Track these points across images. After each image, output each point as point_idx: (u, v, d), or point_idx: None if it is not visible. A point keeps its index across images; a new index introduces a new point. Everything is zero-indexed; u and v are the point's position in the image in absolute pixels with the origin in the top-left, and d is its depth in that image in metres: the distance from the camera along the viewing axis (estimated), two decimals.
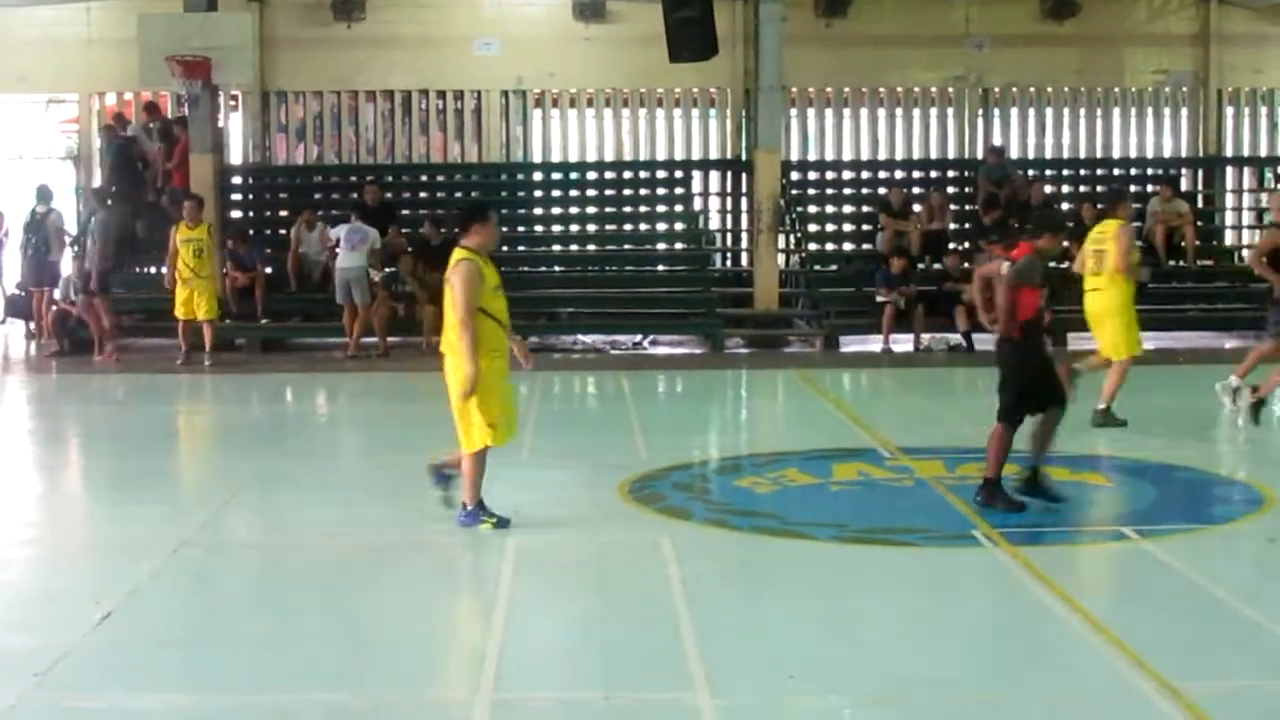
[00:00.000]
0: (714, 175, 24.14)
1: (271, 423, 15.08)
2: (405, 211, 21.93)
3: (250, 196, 23.73)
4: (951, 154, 24.24)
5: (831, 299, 20.76)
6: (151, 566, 8.09)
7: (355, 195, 21.58)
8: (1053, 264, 10.22)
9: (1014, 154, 23.70)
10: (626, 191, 23.61)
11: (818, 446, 11.83)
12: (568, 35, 23.35)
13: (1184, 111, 24.30)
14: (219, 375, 17.34)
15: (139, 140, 22.52)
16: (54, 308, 19.24)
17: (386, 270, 19.51)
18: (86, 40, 22.90)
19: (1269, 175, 24.65)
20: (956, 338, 19.21)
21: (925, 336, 19.39)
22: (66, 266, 19.49)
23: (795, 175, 23.54)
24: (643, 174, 23.78)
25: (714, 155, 24.04)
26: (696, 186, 23.89)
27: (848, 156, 24.29)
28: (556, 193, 23.88)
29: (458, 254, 8.70)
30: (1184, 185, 23.58)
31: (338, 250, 19.16)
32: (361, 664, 6.47)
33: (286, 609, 7.47)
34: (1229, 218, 24.53)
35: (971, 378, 17.54)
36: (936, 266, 20.45)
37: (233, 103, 23.53)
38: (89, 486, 11.69)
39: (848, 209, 23.76)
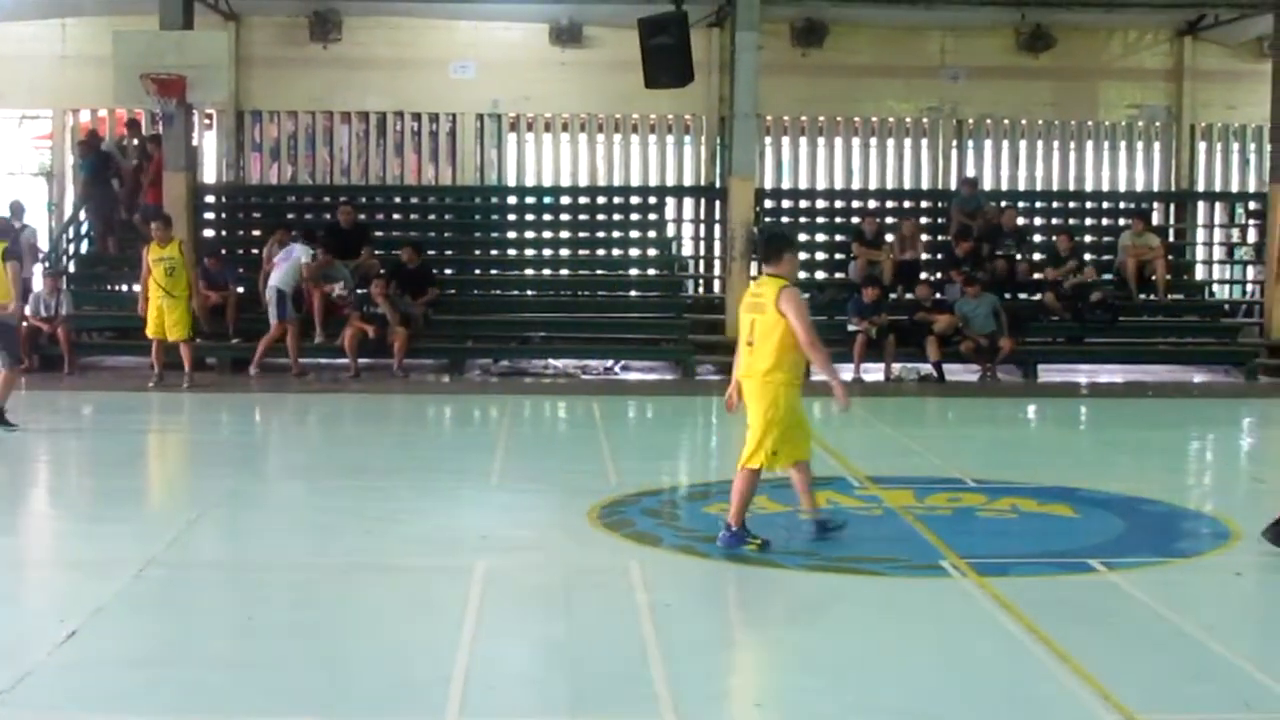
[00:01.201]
0: (688, 202, 24.21)
1: (241, 442, 15.00)
2: (379, 233, 21.91)
3: (224, 215, 23.65)
4: (925, 184, 24.34)
5: None
6: (117, 585, 8.03)
7: (329, 216, 21.54)
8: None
9: (987, 185, 23.78)
10: (600, 216, 23.61)
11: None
12: (544, 59, 23.37)
13: (1157, 145, 24.44)
14: (188, 394, 17.24)
15: (114, 156, 22.44)
16: (24, 324, 19.09)
17: (359, 291, 19.49)
18: (61, 56, 22.79)
19: (1240, 210, 24.81)
20: (927, 368, 19.25)
21: (896, 366, 19.42)
22: (37, 283, 19.38)
23: (769, 203, 23.61)
24: (617, 199, 23.79)
25: (688, 181, 24.08)
26: (670, 213, 23.92)
27: (821, 185, 24.32)
28: (530, 217, 23.92)
29: (777, 283, 8.91)
30: (1156, 219, 23.71)
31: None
32: (329, 686, 6.44)
33: (253, 630, 7.43)
34: (1200, 252, 24.70)
35: (942, 408, 17.63)
36: (909, 296, 20.51)
37: (207, 121, 23.47)
38: (55, 504, 11.59)
39: (820, 237, 23.79)
